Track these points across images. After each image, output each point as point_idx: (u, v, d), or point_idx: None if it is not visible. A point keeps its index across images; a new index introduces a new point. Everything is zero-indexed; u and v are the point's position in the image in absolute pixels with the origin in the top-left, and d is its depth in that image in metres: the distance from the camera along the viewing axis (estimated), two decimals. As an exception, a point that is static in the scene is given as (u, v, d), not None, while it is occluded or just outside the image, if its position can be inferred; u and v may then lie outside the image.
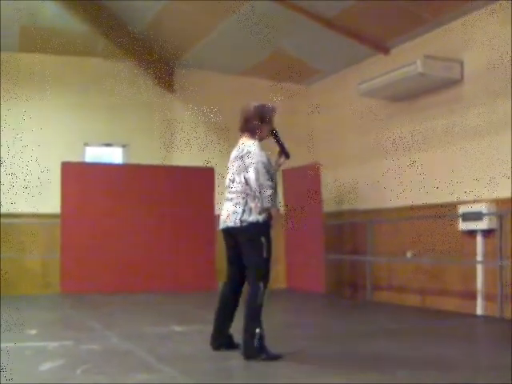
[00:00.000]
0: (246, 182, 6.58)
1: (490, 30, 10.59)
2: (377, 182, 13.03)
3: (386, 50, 12.75)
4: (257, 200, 6.49)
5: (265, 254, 6.53)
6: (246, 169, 6.60)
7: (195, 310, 10.93)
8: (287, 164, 7.43)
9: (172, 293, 12.82)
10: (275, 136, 6.94)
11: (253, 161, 6.56)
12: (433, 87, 11.45)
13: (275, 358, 6.32)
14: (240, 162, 6.69)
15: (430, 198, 11.57)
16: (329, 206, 14.00)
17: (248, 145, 6.72)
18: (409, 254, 11.97)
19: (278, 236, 14.61)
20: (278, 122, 7.01)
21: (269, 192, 6.51)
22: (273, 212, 6.57)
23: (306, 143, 14.80)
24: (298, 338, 7.88)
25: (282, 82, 15.07)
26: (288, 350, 6.59)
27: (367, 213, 13.23)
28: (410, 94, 11.96)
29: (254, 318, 6.41)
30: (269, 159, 6.66)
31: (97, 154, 14.41)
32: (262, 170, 6.52)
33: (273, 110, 6.96)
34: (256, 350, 6.31)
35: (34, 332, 8.07)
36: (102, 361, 6.34)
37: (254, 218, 6.53)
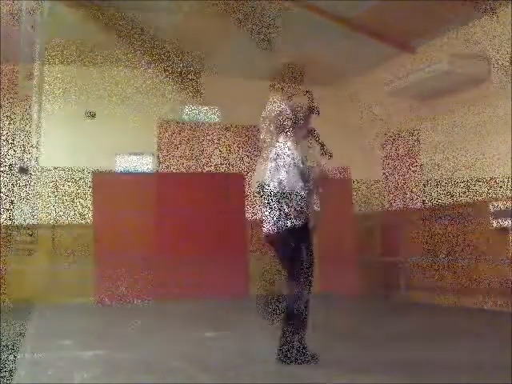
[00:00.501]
0: (280, 184, 6.35)
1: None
2: (405, 182, 12.97)
3: (411, 50, 12.70)
4: (291, 203, 6.29)
5: (299, 259, 6.38)
6: (279, 171, 6.38)
7: (228, 315, 10.93)
8: (329, 164, 7.05)
9: (206, 299, 12.79)
10: (314, 136, 6.78)
11: (285, 162, 6.37)
12: (459, 85, 11.39)
13: (314, 359, 6.29)
14: (274, 164, 6.45)
15: (459, 197, 11.52)
16: (359, 208, 14.00)
17: (281, 146, 6.51)
18: (441, 254, 11.90)
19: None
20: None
21: (303, 193, 6.34)
22: (310, 214, 6.37)
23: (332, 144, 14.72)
24: (326, 340, 7.76)
25: (307, 85, 14.98)
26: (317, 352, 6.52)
27: (398, 213, 13.16)
28: (436, 93, 11.90)
29: (290, 323, 6.33)
30: (303, 159, 6.46)
31: (127, 163, 14.46)
32: (295, 171, 6.34)
33: (309, 109, 6.77)
34: (291, 356, 6.27)
35: (67, 342, 8.09)
36: (137, 370, 6.33)
37: (290, 222, 6.31)
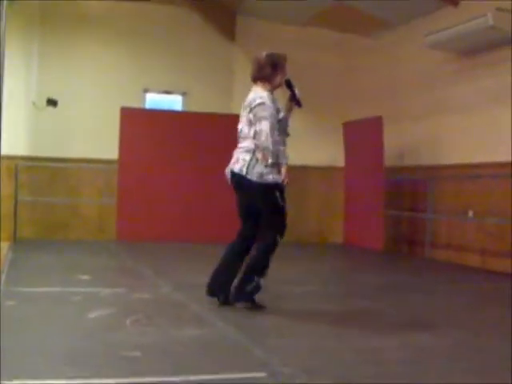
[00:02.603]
0: (255, 134, 6.47)
1: None
2: (440, 139, 12.69)
3: (455, 2, 12.31)
4: (267, 154, 6.39)
5: (274, 208, 6.54)
6: (257, 121, 6.47)
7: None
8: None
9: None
10: (288, 84, 6.85)
11: (266, 114, 6.44)
12: (503, 42, 11.01)
13: (260, 308, 6.44)
14: (250, 113, 6.57)
15: (495, 157, 11.22)
16: (390, 161, 13.68)
17: (259, 95, 6.59)
18: (470, 213, 11.66)
19: (337, 190, 14.67)
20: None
21: (282, 147, 6.55)
22: (282, 168, 6.54)
23: (369, 97, 14.48)
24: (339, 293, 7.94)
25: (346, 34, 14.71)
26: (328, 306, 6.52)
27: (429, 169, 12.89)
28: (479, 48, 11.53)
29: (256, 268, 6.51)
30: (277, 110, 6.59)
31: (157, 101, 14.30)
32: (275, 125, 6.45)
33: (284, 57, 6.86)
34: (245, 297, 6.46)
35: (85, 277, 8.05)
36: (153, 311, 6.27)
37: (259, 170, 6.47)
